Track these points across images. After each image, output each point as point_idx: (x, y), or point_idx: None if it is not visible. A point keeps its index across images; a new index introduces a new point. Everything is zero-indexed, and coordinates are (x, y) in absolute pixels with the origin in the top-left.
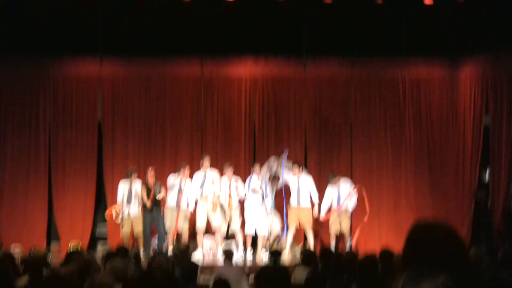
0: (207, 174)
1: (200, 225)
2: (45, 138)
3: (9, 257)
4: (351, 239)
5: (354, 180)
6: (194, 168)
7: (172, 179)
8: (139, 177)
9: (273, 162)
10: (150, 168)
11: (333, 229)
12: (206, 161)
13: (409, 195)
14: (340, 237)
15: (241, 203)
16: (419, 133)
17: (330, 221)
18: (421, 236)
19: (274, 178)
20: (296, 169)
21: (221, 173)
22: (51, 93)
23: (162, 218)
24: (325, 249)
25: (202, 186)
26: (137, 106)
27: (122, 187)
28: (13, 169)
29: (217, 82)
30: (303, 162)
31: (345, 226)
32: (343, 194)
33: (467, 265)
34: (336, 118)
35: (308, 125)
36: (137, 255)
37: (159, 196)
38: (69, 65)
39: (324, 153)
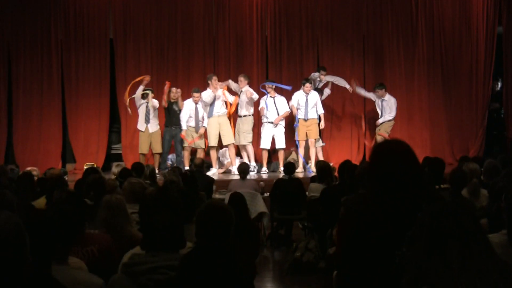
0: (217, 92)
1: (213, 142)
2: (57, 58)
3: (29, 176)
4: None
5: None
6: (206, 86)
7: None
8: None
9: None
10: (173, 88)
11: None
12: (215, 80)
13: (422, 108)
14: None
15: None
16: (432, 44)
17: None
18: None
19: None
20: (307, 87)
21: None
22: (62, 13)
23: (180, 136)
24: (343, 163)
25: (212, 105)
26: (149, 24)
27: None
28: (26, 91)
29: None
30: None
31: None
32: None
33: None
34: (348, 31)
35: (320, 39)
36: (152, 172)
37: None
38: None
39: (337, 67)
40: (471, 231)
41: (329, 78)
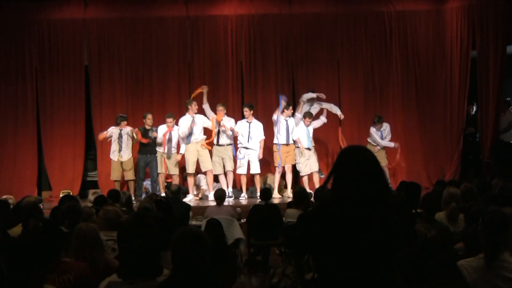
0: (196, 118)
1: (191, 169)
2: (32, 85)
3: (4, 204)
4: None
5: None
6: (183, 110)
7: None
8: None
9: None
10: (149, 115)
11: None
12: (194, 106)
13: (397, 132)
14: None
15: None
16: (406, 68)
17: None
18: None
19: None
20: (288, 111)
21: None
22: (36, 38)
23: (156, 162)
24: (319, 189)
25: (191, 130)
26: (123, 49)
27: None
28: (0, 119)
29: (202, 22)
30: (291, 100)
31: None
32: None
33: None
34: (323, 54)
35: (295, 62)
36: (129, 199)
37: (154, 134)
38: (54, 10)
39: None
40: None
41: (325, 105)
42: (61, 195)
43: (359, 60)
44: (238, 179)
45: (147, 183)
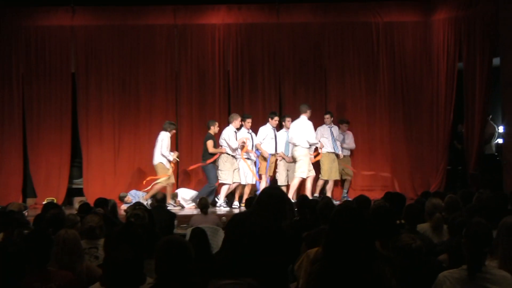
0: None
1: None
2: (19, 92)
3: None
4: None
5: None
6: (169, 118)
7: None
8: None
9: None
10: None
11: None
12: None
13: (384, 143)
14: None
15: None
16: (393, 79)
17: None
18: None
19: None
20: (276, 120)
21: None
22: (23, 45)
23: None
24: (301, 197)
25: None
26: (111, 57)
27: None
28: None
29: (190, 30)
30: (278, 110)
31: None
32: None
33: None
34: (310, 64)
35: (282, 72)
36: (114, 207)
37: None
38: (41, 16)
39: (299, 101)
40: None
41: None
42: (44, 202)
43: (346, 70)
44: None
45: (131, 193)
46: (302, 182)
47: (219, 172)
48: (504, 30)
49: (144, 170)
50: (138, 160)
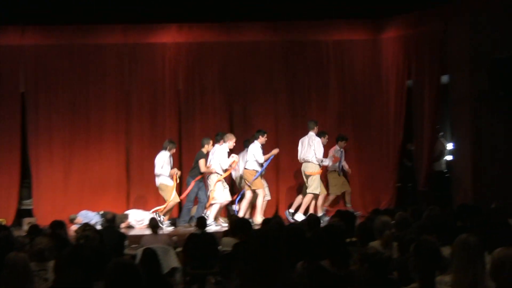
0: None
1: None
2: None
3: None
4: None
5: (279, 147)
6: (120, 139)
7: None
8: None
9: None
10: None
11: None
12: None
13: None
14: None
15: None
16: (343, 97)
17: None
18: None
19: None
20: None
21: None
22: None
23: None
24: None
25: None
26: (61, 76)
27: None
28: None
29: (140, 49)
30: (228, 130)
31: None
32: None
33: None
34: (261, 83)
35: (233, 91)
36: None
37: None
38: None
39: (250, 120)
40: None
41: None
42: None
43: (296, 89)
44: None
45: (81, 214)
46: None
47: (211, 192)
48: (453, 48)
49: (95, 190)
50: (88, 180)
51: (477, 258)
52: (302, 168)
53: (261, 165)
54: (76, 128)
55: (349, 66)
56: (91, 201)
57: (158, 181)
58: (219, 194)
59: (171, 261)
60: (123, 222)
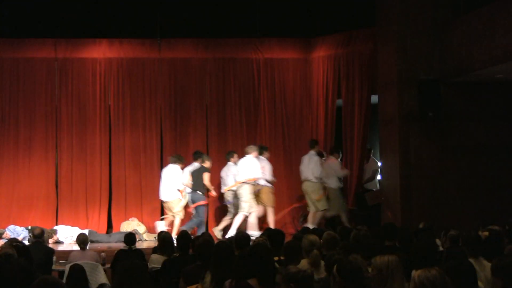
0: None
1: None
2: None
3: None
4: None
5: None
6: (49, 152)
7: None
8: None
9: None
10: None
11: None
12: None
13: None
14: None
15: None
16: (274, 114)
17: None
18: None
19: None
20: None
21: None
22: None
23: None
24: (181, 233)
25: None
26: None
27: None
28: None
29: (71, 64)
30: (159, 146)
31: None
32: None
33: None
34: (192, 100)
35: (163, 106)
36: None
37: None
38: None
39: (180, 136)
40: None
41: None
42: None
43: (227, 106)
44: None
45: (9, 228)
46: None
47: (243, 203)
48: (382, 68)
49: (23, 204)
50: (17, 194)
51: (396, 278)
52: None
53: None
54: (4, 141)
55: (280, 84)
56: (19, 215)
57: (173, 196)
58: (253, 203)
59: (99, 277)
60: (51, 237)
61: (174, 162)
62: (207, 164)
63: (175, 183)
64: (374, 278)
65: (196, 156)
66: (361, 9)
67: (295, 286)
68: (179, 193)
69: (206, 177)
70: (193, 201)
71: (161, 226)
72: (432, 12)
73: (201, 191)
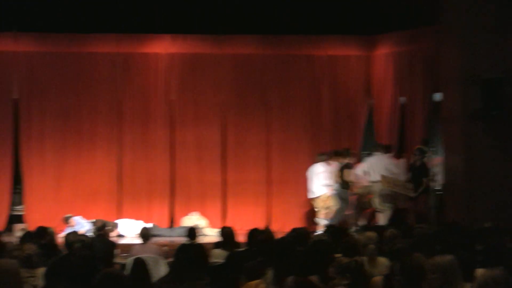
0: None
1: None
2: None
3: None
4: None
5: (271, 162)
6: (112, 148)
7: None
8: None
9: None
10: None
11: None
12: None
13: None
14: None
15: None
16: (336, 112)
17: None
18: None
19: None
20: None
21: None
22: None
23: None
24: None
25: None
26: (54, 84)
27: None
28: None
29: (133, 59)
30: (221, 142)
31: None
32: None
33: None
34: (253, 96)
35: (225, 103)
36: (52, 236)
37: None
38: None
39: (242, 132)
40: None
41: None
42: None
43: (289, 103)
44: None
45: (76, 218)
46: None
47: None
48: (445, 66)
49: (86, 198)
50: (81, 188)
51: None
52: None
53: None
54: (68, 135)
55: (342, 81)
56: (82, 209)
57: (322, 191)
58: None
59: (161, 271)
60: (112, 231)
61: (320, 160)
62: (350, 160)
63: (322, 179)
64: (434, 278)
65: (343, 153)
66: (424, 7)
67: (351, 276)
68: (326, 189)
69: (347, 173)
70: (340, 197)
71: (322, 222)
72: (495, 9)
73: (345, 187)
